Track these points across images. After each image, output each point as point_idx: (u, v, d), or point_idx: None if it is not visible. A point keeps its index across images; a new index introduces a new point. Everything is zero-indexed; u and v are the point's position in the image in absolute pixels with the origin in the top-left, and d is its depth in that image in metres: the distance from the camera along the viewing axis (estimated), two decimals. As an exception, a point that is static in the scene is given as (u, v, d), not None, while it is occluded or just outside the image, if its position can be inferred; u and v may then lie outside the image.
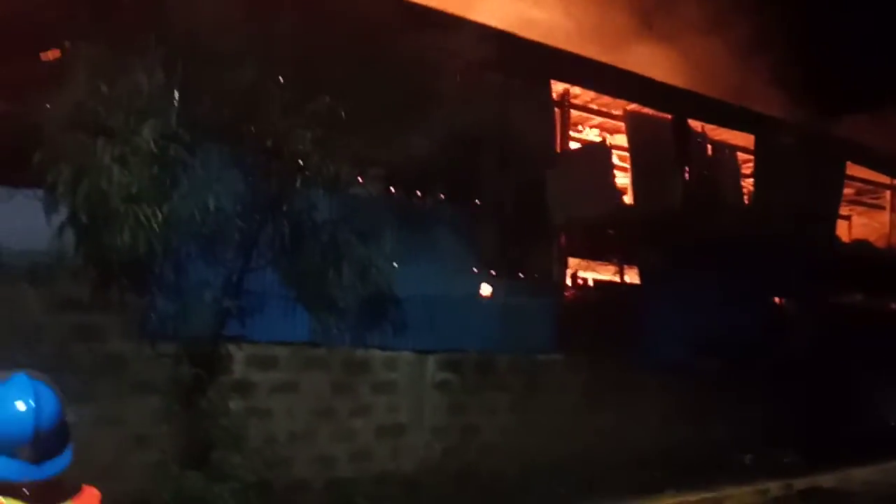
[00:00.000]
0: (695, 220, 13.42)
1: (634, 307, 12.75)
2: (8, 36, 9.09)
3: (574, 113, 14.34)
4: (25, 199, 7.36)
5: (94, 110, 7.42)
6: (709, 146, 15.32)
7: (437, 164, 10.29)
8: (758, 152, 15.90)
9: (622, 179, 14.36)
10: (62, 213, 7.38)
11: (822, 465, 12.47)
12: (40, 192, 7.33)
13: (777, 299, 16.05)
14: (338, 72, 9.05)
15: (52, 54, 9.49)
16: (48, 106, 7.54)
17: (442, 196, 11.37)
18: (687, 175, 14.67)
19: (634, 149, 13.93)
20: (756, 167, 16.15)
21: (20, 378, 2.49)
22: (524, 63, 12.25)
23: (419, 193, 11.29)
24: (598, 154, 13.95)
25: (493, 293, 11.48)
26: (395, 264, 9.48)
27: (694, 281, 12.97)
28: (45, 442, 2.41)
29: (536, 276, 12.19)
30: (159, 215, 7.45)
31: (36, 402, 2.43)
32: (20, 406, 2.42)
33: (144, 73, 7.67)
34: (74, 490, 2.49)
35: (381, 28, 9.55)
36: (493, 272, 11.62)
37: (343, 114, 8.27)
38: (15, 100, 8.79)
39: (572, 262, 13.28)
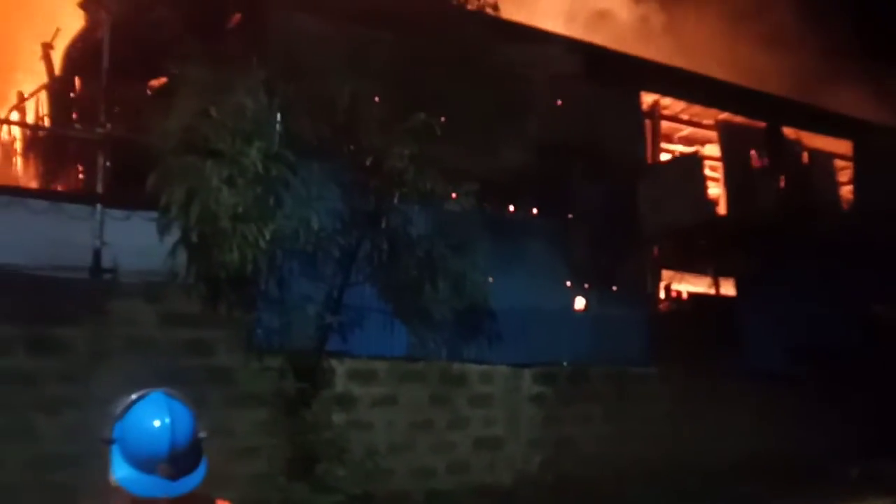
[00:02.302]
0: (790, 229, 13.13)
1: (729, 317, 12.54)
2: (121, 65, 9.54)
3: (664, 123, 14.19)
4: (141, 220, 7.69)
5: (203, 133, 7.74)
6: (804, 153, 14.95)
7: (530, 178, 10.33)
8: (857, 158, 15.44)
9: (714, 189, 14.14)
10: (174, 234, 7.71)
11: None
12: (154, 214, 7.66)
13: (876, 306, 15.53)
14: (432, 88, 9.18)
15: (161, 80, 9.91)
16: (160, 130, 7.86)
17: (534, 209, 11.40)
18: (782, 183, 14.36)
19: (727, 158, 13.71)
20: (855, 173, 15.67)
21: (156, 395, 2.56)
22: (614, 75, 12.20)
23: (512, 207, 11.35)
24: (689, 164, 13.76)
25: (586, 305, 11.45)
26: (489, 278, 9.58)
27: (790, 289, 12.70)
28: (181, 458, 2.43)
29: (629, 287, 12.09)
30: (265, 233, 7.72)
31: (172, 419, 2.51)
32: (157, 423, 2.49)
33: (248, 96, 7.97)
34: None
35: (472, 44, 9.65)
36: (586, 284, 11.58)
37: (438, 130, 8.41)
38: (129, 125, 9.22)
39: (665, 273, 13.14)
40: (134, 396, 2.53)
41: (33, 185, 12.41)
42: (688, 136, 15.07)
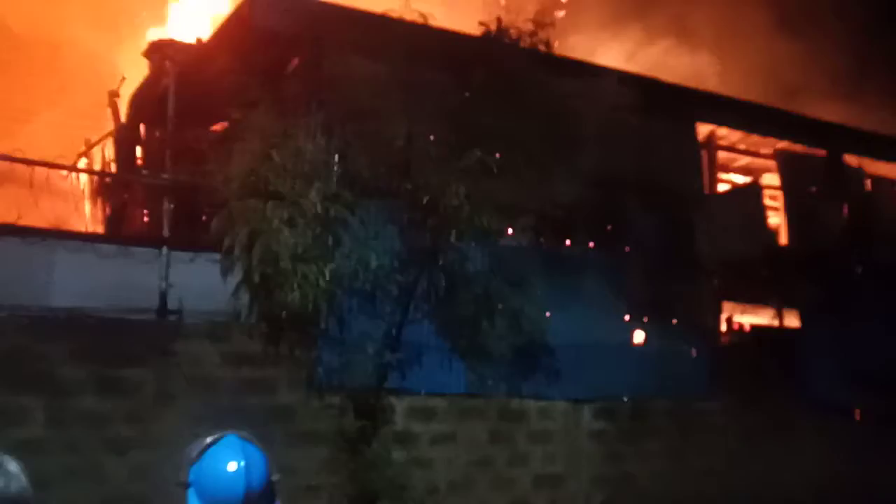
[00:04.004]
0: (855, 258, 12.85)
1: (792, 349, 12.27)
2: (184, 110, 9.85)
3: (721, 153, 14.07)
4: (205, 261, 7.88)
5: (264, 177, 7.93)
6: (867, 180, 14.66)
7: (586, 211, 10.31)
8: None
9: (775, 219, 13.93)
10: (237, 274, 7.89)
11: None
12: (217, 255, 7.85)
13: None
14: (486, 125, 9.25)
15: (222, 125, 10.18)
16: (223, 175, 8.07)
17: (591, 242, 11.36)
18: (844, 211, 14.08)
19: (787, 187, 13.51)
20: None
21: (230, 439, 2.62)
22: (669, 107, 12.16)
23: (568, 241, 11.33)
24: (749, 194, 13.61)
25: (645, 339, 11.33)
26: (547, 313, 9.56)
27: (855, 320, 12.38)
28: (256, 501, 2.52)
29: (689, 320, 11.94)
30: (325, 273, 7.84)
31: (246, 462, 2.55)
32: (232, 467, 2.54)
33: (307, 139, 8.15)
34: None
35: (525, 79, 9.72)
36: (644, 318, 11.47)
37: (493, 166, 8.48)
38: (193, 170, 9.48)
39: (726, 305, 12.94)
40: (209, 440, 2.60)
41: (100, 229, 12.81)
42: (746, 165, 14.90)
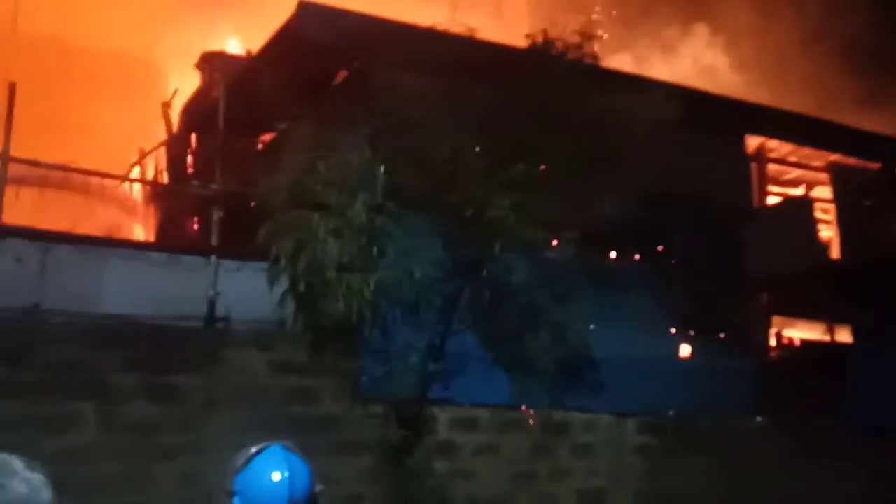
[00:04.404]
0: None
1: (844, 366, 12.02)
2: (233, 121, 10.02)
3: (771, 166, 13.88)
4: (252, 270, 8.00)
5: (311, 188, 8.03)
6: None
7: (632, 224, 10.24)
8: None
9: (826, 232, 13.69)
10: (283, 284, 7.99)
11: None
12: (264, 264, 7.96)
13: None
14: (531, 137, 9.26)
15: (270, 136, 10.34)
16: (270, 185, 8.19)
17: (637, 255, 11.28)
18: (898, 226, 13.77)
19: (839, 200, 13.28)
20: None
21: (275, 449, 2.67)
22: (717, 119, 12.04)
23: (614, 254, 11.26)
24: (799, 208, 13.40)
25: (692, 354, 11.20)
26: (591, 326, 9.51)
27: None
28: None
29: (737, 335, 11.78)
30: (369, 283, 7.91)
31: (290, 472, 2.60)
32: (275, 476, 2.60)
33: (353, 151, 8.24)
34: None
35: (571, 92, 9.71)
36: (691, 332, 11.34)
37: (538, 179, 8.48)
38: (241, 180, 9.64)
39: (776, 320, 12.74)
40: (253, 450, 2.66)
41: (151, 237, 13.09)
42: (797, 178, 14.68)
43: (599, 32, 9.90)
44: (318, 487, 2.80)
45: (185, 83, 14.60)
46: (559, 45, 9.51)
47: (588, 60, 9.74)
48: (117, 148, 14.37)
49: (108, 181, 12.27)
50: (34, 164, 7.93)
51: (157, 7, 17.93)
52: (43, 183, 11.50)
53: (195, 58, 14.09)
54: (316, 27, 9.12)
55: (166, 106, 14.62)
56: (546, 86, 9.39)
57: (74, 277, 7.34)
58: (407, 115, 8.58)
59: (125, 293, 7.59)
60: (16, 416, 6.78)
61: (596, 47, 9.65)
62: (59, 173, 10.00)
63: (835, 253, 13.38)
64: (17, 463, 2.06)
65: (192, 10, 18.24)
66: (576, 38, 9.56)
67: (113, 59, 18.01)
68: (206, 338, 7.89)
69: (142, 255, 8.15)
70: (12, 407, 6.81)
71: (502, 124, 8.95)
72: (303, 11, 8.91)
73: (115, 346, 7.33)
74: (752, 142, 13.10)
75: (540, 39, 9.42)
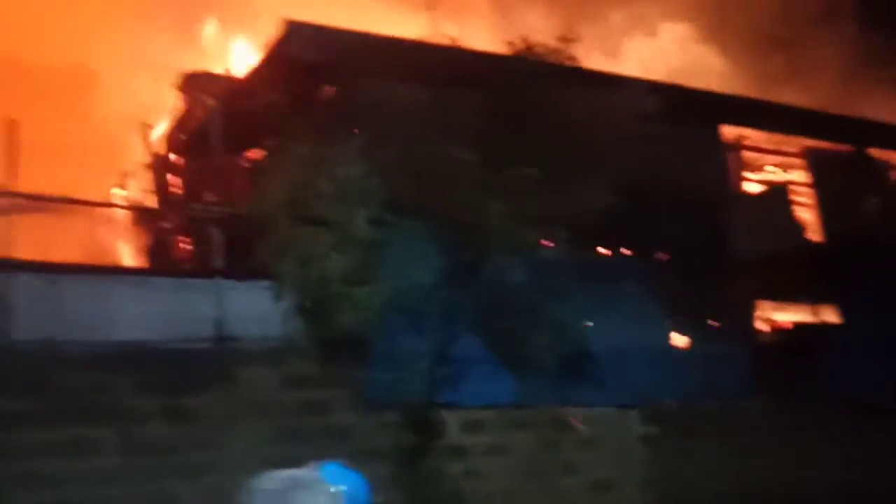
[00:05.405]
0: (889, 251, 12.89)
1: (833, 346, 12.32)
2: (223, 142, 10.14)
3: (748, 153, 14.17)
4: (256, 289, 8.13)
5: (308, 204, 8.17)
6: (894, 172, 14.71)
7: (619, 219, 10.46)
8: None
9: (806, 216, 14.00)
10: (288, 300, 8.13)
11: None
12: (267, 282, 8.10)
13: None
14: (517, 140, 9.44)
15: (257, 153, 10.45)
16: (267, 203, 8.31)
17: (626, 249, 11.51)
18: (876, 205, 14.13)
19: (817, 184, 13.60)
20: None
21: (332, 467, 2.78)
22: (694, 112, 12.30)
23: (604, 249, 11.48)
24: (777, 193, 13.71)
25: (686, 342, 11.44)
26: (588, 321, 9.71)
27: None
28: None
29: (728, 321, 12.03)
30: (373, 294, 8.08)
31: (348, 490, 2.72)
32: (333, 493, 2.72)
33: (347, 164, 8.39)
34: None
35: (553, 94, 9.92)
36: (684, 321, 11.58)
37: (528, 183, 8.69)
38: (234, 199, 9.76)
39: (763, 304, 13.02)
40: (309, 468, 2.76)
41: (141, 258, 13.10)
42: (774, 164, 14.98)
43: (574, 35, 10.14)
44: (377, 500, 2.88)
45: (156, 102, 14.56)
46: (539, 49, 9.74)
47: (567, 62, 9.98)
48: (96, 169, 14.35)
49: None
50: (36, 197, 8.00)
51: (109, 19, 17.70)
52: (24, 209, 11.48)
53: (174, 78, 14.09)
54: (303, 44, 9.25)
55: (145, 126, 14.63)
56: (529, 89, 9.62)
57: (86, 306, 7.43)
58: (398, 126, 8.76)
59: (135, 318, 7.70)
60: (39, 442, 6.89)
61: (575, 50, 9.89)
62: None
63: (815, 236, 13.69)
64: (311, 475, 2.16)
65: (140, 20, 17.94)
66: (554, 43, 9.80)
67: (84, 77, 17.80)
68: (218, 357, 8.00)
69: (147, 280, 8.26)
70: (35, 434, 6.92)
71: (490, 129, 9.15)
72: (290, 30, 9.04)
73: (129, 370, 7.43)
74: (730, 131, 13.38)
75: (521, 45, 9.64)
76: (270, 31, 9.75)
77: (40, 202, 8.34)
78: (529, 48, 9.71)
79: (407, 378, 8.46)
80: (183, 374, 7.61)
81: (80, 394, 7.20)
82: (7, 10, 15.63)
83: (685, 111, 12.09)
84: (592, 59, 12.23)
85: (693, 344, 11.37)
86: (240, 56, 14.72)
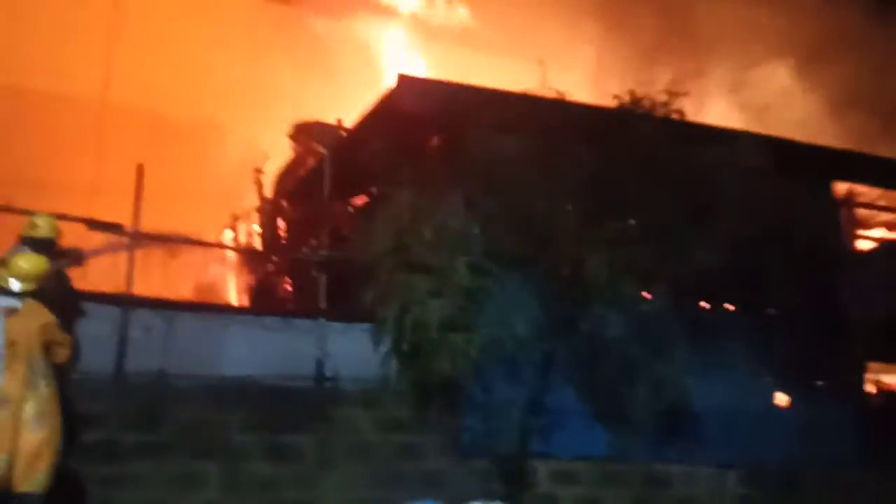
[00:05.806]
0: None
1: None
2: (336, 189, 10.49)
3: (861, 210, 13.75)
4: (357, 331, 8.35)
5: (412, 250, 8.37)
6: None
7: (725, 275, 10.28)
8: None
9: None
10: (386, 343, 8.30)
11: None
12: (367, 325, 8.30)
13: None
14: (622, 193, 9.44)
15: (371, 200, 10.75)
16: (373, 249, 8.55)
17: (731, 305, 11.28)
18: None
19: (933, 243, 13.08)
20: None
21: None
22: (804, 166, 12.04)
23: (708, 305, 11.29)
24: (889, 251, 13.23)
25: (791, 403, 11.08)
26: (688, 377, 9.54)
27: None
28: None
29: (836, 383, 11.60)
30: (472, 342, 8.17)
31: None
32: None
33: (451, 213, 8.56)
34: None
35: (660, 147, 9.89)
36: (790, 381, 11.23)
37: (632, 237, 8.66)
38: (340, 244, 10.06)
39: (874, 366, 12.52)
40: None
41: (245, 297, 13.61)
42: (888, 221, 14.48)
43: (683, 89, 10.11)
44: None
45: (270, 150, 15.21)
46: (646, 103, 9.76)
47: (675, 116, 9.96)
48: (211, 213, 15.03)
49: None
50: (155, 237, 8.46)
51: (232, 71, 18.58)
52: (143, 248, 12.09)
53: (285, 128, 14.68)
54: (414, 97, 9.55)
55: (258, 172, 15.28)
56: (636, 142, 9.63)
57: (197, 342, 7.79)
58: (502, 177, 8.90)
59: (242, 355, 8.01)
60: (149, 474, 7.22)
61: (682, 104, 9.86)
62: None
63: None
64: None
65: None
66: (662, 97, 9.80)
67: (205, 129, 18.76)
68: (317, 396, 8.24)
69: (256, 319, 8.59)
70: (146, 466, 7.25)
71: (595, 182, 9.18)
72: (401, 83, 9.36)
73: (236, 406, 7.73)
74: (841, 187, 13.03)
75: (628, 98, 9.69)
76: (382, 84, 10.14)
77: (158, 241, 8.76)
78: (636, 101, 9.75)
79: (500, 426, 8.49)
80: (284, 412, 7.85)
81: (188, 427, 7.52)
82: (151, 69, 16.72)
83: (796, 166, 11.85)
84: (700, 111, 12.19)
85: (798, 405, 11.00)
86: (352, 107, 15.26)
